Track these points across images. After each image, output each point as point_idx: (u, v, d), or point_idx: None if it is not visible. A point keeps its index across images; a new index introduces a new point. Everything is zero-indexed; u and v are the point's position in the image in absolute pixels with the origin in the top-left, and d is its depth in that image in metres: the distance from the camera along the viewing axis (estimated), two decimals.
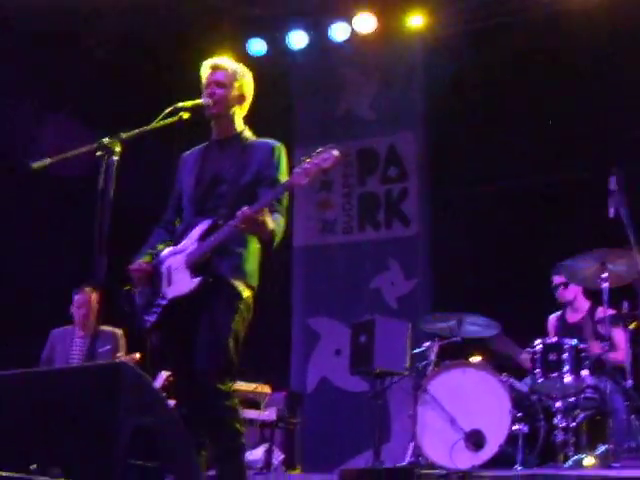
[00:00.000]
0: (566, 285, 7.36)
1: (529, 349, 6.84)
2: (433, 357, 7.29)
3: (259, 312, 4.61)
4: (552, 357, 6.63)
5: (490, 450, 6.58)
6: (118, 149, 4.13)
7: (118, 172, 4.08)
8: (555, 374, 6.58)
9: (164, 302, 4.51)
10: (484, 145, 9.35)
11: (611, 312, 6.56)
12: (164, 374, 7.33)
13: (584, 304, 7.44)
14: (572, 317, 7.49)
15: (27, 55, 8.98)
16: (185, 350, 4.46)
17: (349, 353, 8.00)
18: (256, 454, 7.74)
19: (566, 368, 6.55)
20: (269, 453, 7.86)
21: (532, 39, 9.10)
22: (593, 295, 7.18)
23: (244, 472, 4.40)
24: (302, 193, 9.82)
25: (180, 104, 4.52)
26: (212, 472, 4.78)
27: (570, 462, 6.23)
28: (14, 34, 8.86)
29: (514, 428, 6.63)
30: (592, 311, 7.32)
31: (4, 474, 3.04)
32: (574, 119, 8.97)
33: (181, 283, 4.47)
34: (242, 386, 7.63)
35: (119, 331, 7.52)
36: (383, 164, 10.43)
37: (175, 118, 4.49)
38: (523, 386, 6.99)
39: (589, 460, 6.15)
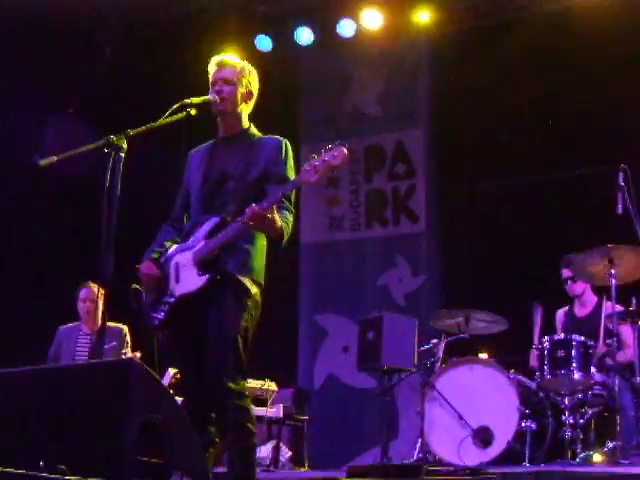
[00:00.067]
0: (574, 279, 7.34)
1: (537, 345, 6.83)
2: (440, 354, 7.29)
3: (266, 308, 4.60)
4: (560, 354, 6.63)
5: (498, 447, 6.59)
6: (125, 146, 4.12)
7: (125, 169, 4.07)
8: (563, 371, 6.58)
9: (172, 300, 4.51)
10: (492, 141, 9.34)
11: (619, 308, 6.54)
12: (171, 372, 7.34)
13: (592, 299, 7.44)
14: (580, 311, 7.48)
15: (27, 55, 8.98)
16: (193, 348, 4.46)
17: (357, 350, 8.00)
18: (264, 451, 7.75)
19: (574, 365, 6.54)
20: (276, 450, 7.87)
21: (539, 36, 9.08)
22: (601, 290, 7.16)
23: (254, 471, 4.40)
24: (309, 190, 9.81)
25: (187, 100, 4.51)
26: (220, 469, 4.78)
27: (578, 459, 6.22)
28: (14, 34, 8.86)
29: (522, 425, 6.63)
30: (600, 306, 7.30)
31: (12, 471, 3.04)
32: (583, 115, 8.95)
33: (189, 280, 4.47)
34: (249, 383, 7.63)
35: (124, 327, 7.53)
36: (390, 161, 10.42)
37: (182, 114, 4.48)
38: (531, 383, 6.98)
39: (597, 457, 6.14)
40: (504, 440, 6.58)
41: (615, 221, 6.38)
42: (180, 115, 4.48)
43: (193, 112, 4.51)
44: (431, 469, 6.21)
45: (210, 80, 4.72)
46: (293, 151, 4.73)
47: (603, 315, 6.85)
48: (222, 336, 4.35)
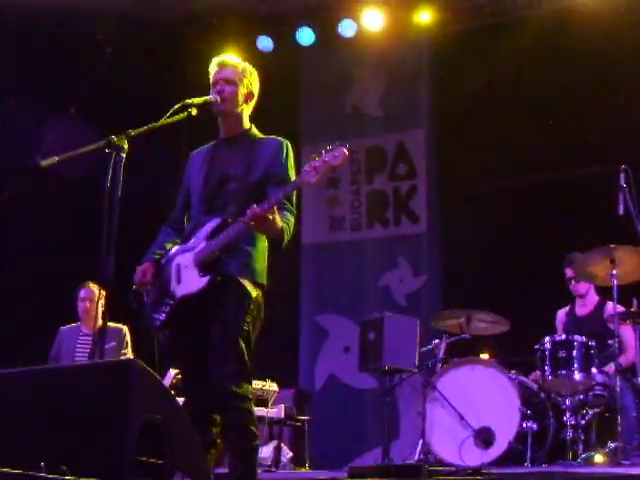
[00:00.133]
0: (578, 278, 7.33)
1: (538, 346, 6.83)
2: (442, 354, 7.28)
3: (267, 309, 4.60)
4: (561, 354, 6.62)
5: (499, 447, 6.59)
6: (126, 146, 4.12)
7: (125, 170, 4.07)
8: (564, 371, 6.58)
9: (173, 301, 4.50)
10: (493, 141, 9.33)
11: (620, 309, 6.54)
12: (172, 372, 7.34)
13: (594, 298, 7.44)
14: (581, 311, 7.48)
15: (27, 55, 8.98)
16: (194, 348, 4.46)
17: (358, 350, 7.99)
18: (265, 452, 7.74)
19: (575, 365, 6.54)
20: (277, 451, 7.86)
21: (539, 36, 9.08)
22: (604, 291, 7.15)
23: (256, 472, 4.40)
24: (310, 190, 9.82)
25: (189, 100, 4.51)
26: (221, 470, 4.78)
27: (580, 460, 6.22)
28: (14, 34, 8.86)
29: (523, 425, 6.63)
30: (601, 305, 7.30)
31: (13, 472, 3.04)
32: (584, 115, 8.95)
33: (190, 281, 4.46)
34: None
35: (124, 327, 7.53)
36: (391, 161, 10.42)
37: (184, 115, 4.47)
38: (532, 383, 6.98)
39: (598, 458, 6.14)
40: (505, 441, 6.58)
41: (616, 222, 6.38)
42: (181, 115, 4.48)
43: (194, 112, 4.51)
44: (432, 469, 6.20)
45: (211, 80, 4.72)
46: (294, 152, 4.72)
47: (605, 313, 6.86)
48: (224, 339, 4.35)
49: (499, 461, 6.51)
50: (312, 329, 10.34)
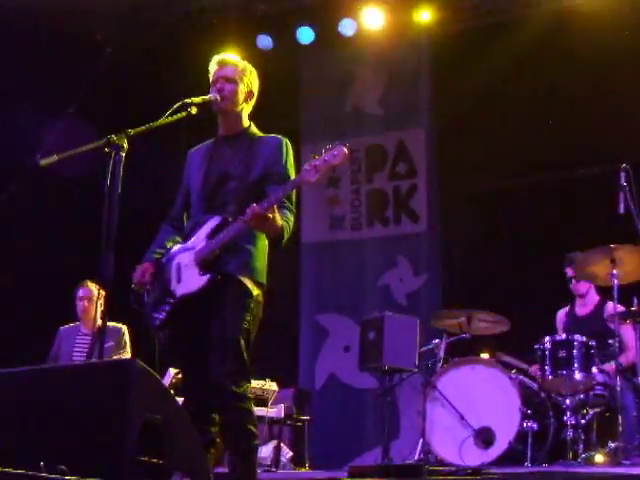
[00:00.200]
0: (578, 278, 7.33)
1: (538, 345, 6.82)
2: (442, 354, 7.28)
3: (267, 308, 4.59)
4: (561, 354, 6.62)
5: (499, 447, 6.58)
6: (125, 145, 4.12)
7: (125, 169, 4.06)
8: (564, 371, 6.58)
9: (173, 300, 4.50)
10: (493, 141, 9.33)
11: (620, 308, 6.53)
12: (172, 372, 7.33)
13: (594, 298, 7.43)
14: (581, 310, 7.47)
15: (27, 55, 8.97)
16: (194, 348, 4.46)
17: (358, 350, 7.98)
18: (264, 451, 7.73)
19: (576, 365, 6.54)
20: (277, 450, 7.85)
21: (540, 35, 9.08)
22: (604, 290, 7.15)
23: (255, 472, 4.39)
24: (310, 189, 9.81)
25: (188, 99, 4.50)
26: (220, 470, 4.78)
27: (580, 459, 6.22)
28: (14, 35, 8.85)
29: (524, 425, 6.63)
30: (601, 305, 7.30)
31: (12, 471, 3.03)
32: (583, 114, 8.95)
33: (190, 280, 4.46)
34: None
35: (123, 327, 7.52)
36: (392, 160, 10.41)
37: (183, 114, 4.47)
38: (533, 383, 6.98)
39: (599, 457, 6.13)
40: (506, 440, 6.58)
41: (617, 221, 6.37)
42: (181, 114, 4.47)
43: (194, 111, 4.50)
44: (432, 469, 6.21)
45: (211, 79, 4.72)
46: (294, 151, 4.72)
47: (605, 313, 6.86)
48: (224, 337, 4.35)
49: (499, 461, 6.51)
50: (312, 328, 10.33)
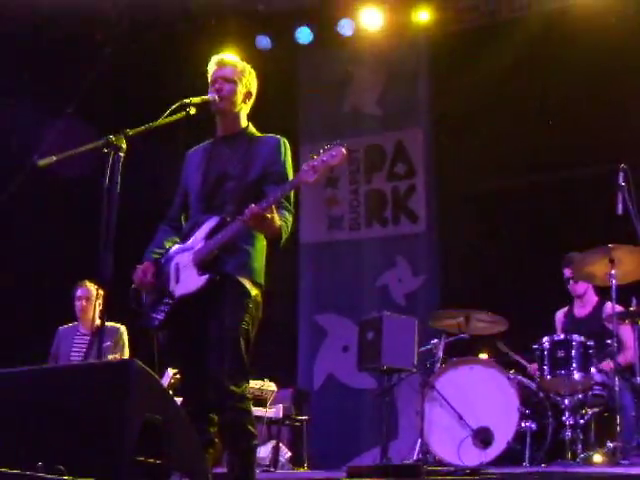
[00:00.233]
0: (577, 279, 7.33)
1: (537, 346, 6.82)
2: (440, 354, 7.28)
3: (266, 308, 4.59)
4: (560, 354, 6.63)
5: (498, 447, 6.58)
6: (124, 146, 4.12)
7: (123, 169, 4.06)
8: (563, 371, 6.58)
9: (172, 300, 4.50)
10: (491, 142, 9.34)
11: (619, 308, 6.53)
12: (170, 372, 7.33)
13: (593, 299, 7.44)
14: (580, 311, 7.48)
15: (27, 55, 8.97)
16: (193, 348, 4.45)
17: (357, 350, 7.98)
18: (263, 451, 7.74)
19: (574, 365, 6.54)
20: (276, 450, 7.86)
21: (538, 35, 9.08)
22: (602, 291, 7.15)
23: (254, 473, 4.39)
24: (309, 190, 9.80)
25: (187, 100, 4.50)
26: (219, 470, 4.78)
27: (578, 459, 6.22)
28: (14, 35, 8.85)
29: (522, 425, 6.63)
30: (600, 306, 7.30)
31: (11, 472, 3.03)
32: (581, 115, 8.95)
33: (189, 281, 4.46)
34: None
35: (121, 327, 7.52)
36: (390, 161, 10.41)
37: (182, 114, 4.47)
38: (531, 383, 6.98)
39: (597, 457, 6.14)
40: (504, 440, 6.58)
41: (615, 221, 6.37)
42: (179, 115, 4.47)
43: (192, 112, 4.50)
44: (431, 469, 6.21)
45: (209, 79, 4.72)
46: (292, 151, 4.72)
47: (604, 313, 6.87)
48: (223, 337, 4.34)
49: (498, 461, 6.51)
50: (311, 328, 10.33)
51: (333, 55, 10.59)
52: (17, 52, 8.88)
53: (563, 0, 9.44)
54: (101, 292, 4.10)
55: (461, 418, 6.77)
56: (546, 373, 6.65)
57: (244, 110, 4.77)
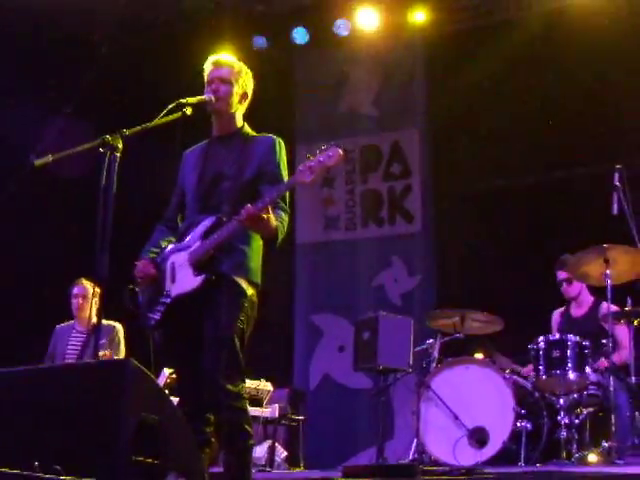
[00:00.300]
0: (570, 281, 7.35)
1: (532, 345, 6.83)
2: (436, 354, 7.28)
3: (262, 308, 4.60)
4: (555, 354, 6.63)
5: (493, 447, 6.59)
6: (120, 145, 4.12)
7: (120, 169, 4.07)
8: (558, 371, 6.59)
9: (168, 300, 4.51)
10: (487, 142, 9.35)
11: (614, 309, 6.55)
12: (167, 372, 7.33)
13: (588, 299, 7.44)
14: (576, 312, 7.48)
15: (27, 55, 8.96)
16: (189, 348, 4.46)
17: (352, 350, 7.99)
18: (259, 451, 7.74)
19: (569, 365, 6.55)
20: (272, 450, 7.86)
21: (535, 36, 9.09)
22: (597, 291, 7.16)
23: (250, 472, 4.40)
24: (305, 190, 9.78)
25: (183, 100, 4.50)
26: (215, 469, 4.78)
27: (573, 459, 6.23)
28: (14, 34, 8.84)
29: (517, 425, 6.64)
30: (596, 306, 7.31)
31: (7, 471, 3.04)
32: (577, 116, 8.96)
33: (184, 280, 4.46)
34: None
35: (117, 325, 7.52)
36: (386, 161, 10.42)
37: (178, 114, 4.47)
38: (526, 383, 6.99)
39: (592, 457, 6.15)
40: (499, 440, 6.58)
41: (610, 221, 6.39)
42: (176, 115, 4.47)
43: (189, 111, 4.51)
44: (426, 469, 6.22)
45: (206, 79, 4.72)
46: (288, 151, 4.73)
47: (600, 313, 6.90)
48: (218, 337, 4.35)
49: (493, 461, 6.51)
50: (307, 328, 10.33)
51: (329, 55, 10.60)
52: (17, 52, 8.88)
53: (560, 0, 9.44)
54: (97, 290, 4.10)
55: (457, 418, 6.78)
56: (541, 373, 6.66)
57: (240, 110, 4.77)
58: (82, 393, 3.38)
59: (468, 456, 6.59)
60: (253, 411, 7.45)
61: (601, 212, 6.62)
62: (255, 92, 4.81)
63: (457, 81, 9.50)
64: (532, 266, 8.60)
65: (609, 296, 6.39)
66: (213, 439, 4.45)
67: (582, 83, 8.93)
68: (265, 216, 4.23)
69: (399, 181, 10.33)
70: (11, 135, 8.82)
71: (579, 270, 6.84)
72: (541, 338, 6.78)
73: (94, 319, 7.19)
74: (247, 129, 4.78)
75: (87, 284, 7.61)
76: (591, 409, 6.61)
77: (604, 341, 6.61)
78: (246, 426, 4.35)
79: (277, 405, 8.09)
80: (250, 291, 4.48)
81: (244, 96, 4.75)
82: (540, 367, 6.67)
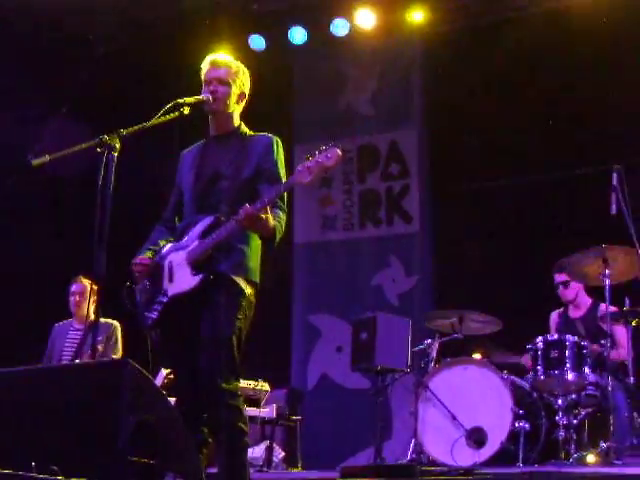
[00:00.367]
0: (566, 284, 7.36)
1: (530, 346, 6.83)
2: (434, 354, 7.27)
3: (259, 308, 4.59)
4: (554, 354, 6.63)
5: (491, 447, 6.59)
6: (118, 145, 4.12)
7: (117, 168, 4.06)
8: (557, 371, 6.59)
9: (165, 299, 4.50)
10: (485, 142, 9.35)
11: (613, 309, 6.54)
12: (164, 372, 7.32)
13: (586, 300, 7.44)
14: (574, 313, 7.48)
15: (27, 55, 8.95)
16: (186, 348, 4.45)
17: (350, 350, 7.98)
18: (257, 451, 7.73)
19: (568, 365, 6.55)
20: (270, 451, 7.85)
21: (533, 35, 9.07)
22: (595, 291, 7.16)
23: (246, 471, 4.39)
24: (302, 190, 9.79)
25: (181, 100, 4.50)
26: (212, 469, 4.77)
27: (572, 459, 6.23)
28: (14, 34, 8.83)
29: (515, 425, 6.63)
30: (594, 307, 7.31)
31: (4, 472, 3.03)
32: (576, 115, 8.96)
33: (182, 280, 4.46)
34: (242, 383, 7.60)
35: (114, 323, 7.51)
36: (384, 161, 10.41)
37: (176, 114, 4.47)
38: (524, 383, 6.98)
39: (591, 457, 6.14)
40: (498, 441, 6.58)
41: (609, 221, 6.38)
42: (173, 115, 4.47)
43: (186, 111, 4.50)
44: (424, 469, 6.21)
45: (203, 79, 4.72)
46: (286, 150, 4.73)
47: (598, 314, 6.89)
48: (216, 336, 4.35)
49: (491, 461, 6.51)
50: (304, 329, 10.32)
51: (327, 55, 10.58)
52: (17, 52, 8.86)
53: (556, 0, 9.44)
54: (95, 287, 4.09)
55: (455, 418, 6.77)
56: (540, 373, 6.66)
57: (237, 110, 4.77)
58: (80, 393, 3.38)
59: (466, 456, 6.59)
60: (251, 411, 7.45)
61: (600, 212, 6.61)
62: (253, 92, 4.81)
63: (455, 81, 9.49)
64: (531, 266, 8.60)
65: (607, 296, 6.38)
66: (210, 439, 4.45)
67: (581, 83, 8.92)
68: (263, 216, 4.23)
69: (397, 181, 10.31)
70: (10, 134, 8.81)
71: (578, 270, 6.83)
72: (539, 338, 6.77)
73: (92, 316, 7.18)
74: (244, 128, 4.79)
75: (85, 282, 7.62)
76: (589, 409, 6.61)
77: (603, 341, 6.61)
78: (241, 424, 4.34)
79: (275, 405, 8.08)
80: (249, 290, 4.48)
81: (242, 96, 4.75)
82: (538, 367, 6.67)
